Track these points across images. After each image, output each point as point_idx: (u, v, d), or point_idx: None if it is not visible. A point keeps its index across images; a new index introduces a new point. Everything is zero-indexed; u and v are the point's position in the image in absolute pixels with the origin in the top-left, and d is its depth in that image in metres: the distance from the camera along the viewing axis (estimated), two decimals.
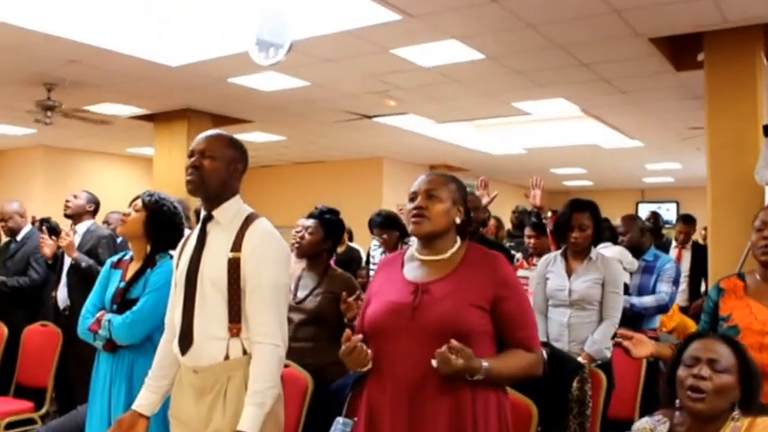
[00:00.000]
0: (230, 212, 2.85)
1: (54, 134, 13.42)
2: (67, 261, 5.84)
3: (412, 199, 2.60)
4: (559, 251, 4.68)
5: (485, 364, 2.39)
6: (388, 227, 6.03)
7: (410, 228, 2.59)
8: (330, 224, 4.30)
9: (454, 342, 2.32)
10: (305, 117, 11.37)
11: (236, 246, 2.76)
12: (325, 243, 4.26)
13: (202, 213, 2.91)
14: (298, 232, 4.74)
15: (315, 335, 4.09)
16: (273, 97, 9.87)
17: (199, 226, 2.91)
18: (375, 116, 11.16)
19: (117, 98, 10.25)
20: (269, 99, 9.99)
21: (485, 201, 5.38)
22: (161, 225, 3.59)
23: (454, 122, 12.07)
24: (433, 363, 2.34)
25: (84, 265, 5.66)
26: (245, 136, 13.08)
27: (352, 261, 9.63)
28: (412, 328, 2.46)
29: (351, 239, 10.77)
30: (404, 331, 2.47)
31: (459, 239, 2.65)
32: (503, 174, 17.80)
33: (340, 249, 10.28)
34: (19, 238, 6.23)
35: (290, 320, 4.10)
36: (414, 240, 2.73)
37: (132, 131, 13.02)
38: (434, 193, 2.59)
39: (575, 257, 4.55)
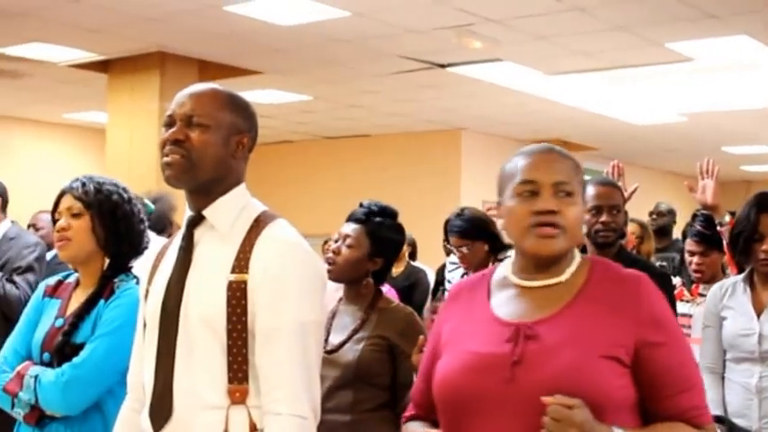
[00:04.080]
0: (231, 211, 2.84)
1: None
2: None
3: (533, 191, 2.53)
4: (741, 276, 4.63)
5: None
6: (472, 235, 5.99)
7: (532, 244, 2.51)
8: (381, 232, 4.27)
9: (556, 399, 2.29)
10: (342, 66, 11.37)
11: (241, 263, 2.74)
12: (372, 261, 4.23)
13: (187, 213, 2.90)
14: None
15: (354, 403, 4.08)
16: (294, 35, 9.88)
17: (182, 232, 2.90)
18: (451, 65, 11.11)
19: (52, 36, 10.35)
20: (287, 38, 10.01)
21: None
22: (118, 228, 3.58)
23: (573, 74, 11.98)
24: None
25: None
26: (250, 95, 13.05)
27: (415, 288, 9.60)
28: (512, 394, 2.40)
29: (414, 256, 10.76)
30: (499, 400, 2.41)
31: (577, 253, 2.63)
32: (648, 154, 17.61)
33: (396, 270, 10.32)
34: None
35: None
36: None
37: (74, 88, 13.16)
38: (568, 188, 2.54)
39: (766, 284, 4.52)
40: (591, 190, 4.67)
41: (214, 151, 2.80)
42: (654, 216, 8.93)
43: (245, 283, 2.72)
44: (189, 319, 2.75)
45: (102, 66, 11.62)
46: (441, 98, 13.24)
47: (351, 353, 4.09)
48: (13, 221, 6.38)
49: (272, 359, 2.69)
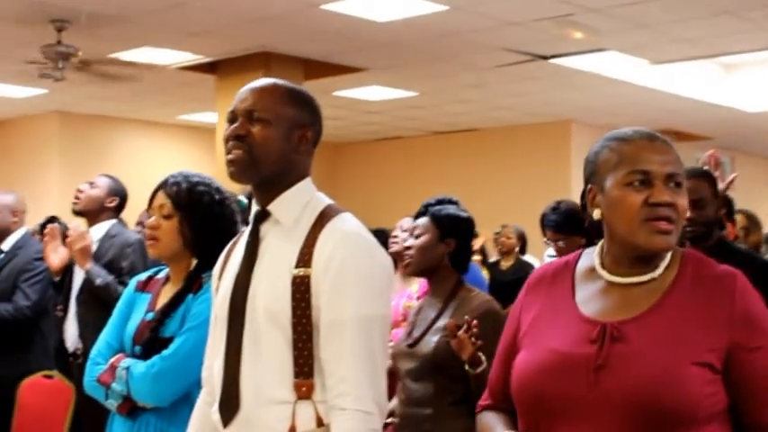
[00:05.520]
0: (296, 206, 2.84)
1: (73, 95, 14.04)
2: (78, 280, 6.04)
3: (644, 182, 2.40)
4: None
5: None
6: (568, 229, 5.92)
7: (646, 239, 2.38)
8: (443, 213, 4.28)
9: None
10: (446, 61, 11.39)
11: (305, 257, 2.74)
12: (444, 243, 4.24)
13: (254, 208, 2.91)
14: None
15: (435, 394, 4.05)
16: (396, 31, 9.91)
17: (249, 228, 2.91)
18: (554, 56, 11.07)
19: (160, 40, 10.60)
20: (389, 34, 10.05)
21: (720, 187, 5.18)
22: (206, 230, 3.61)
23: (680, 62, 11.84)
24: None
25: (98, 281, 5.77)
26: (356, 92, 13.30)
27: (523, 282, 9.54)
28: (595, 400, 2.30)
29: (524, 250, 10.72)
30: (580, 405, 2.32)
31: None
32: (765, 142, 17.23)
33: (506, 264, 10.30)
34: (6, 246, 6.48)
35: (400, 372, 4.13)
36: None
37: (185, 89, 13.44)
38: (679, 179, 2.43)
39: None
40: None
41: (276, 146, 2.79)
42: None
43: (308, 277, 2.71)
44: (255, 313, 2.77)
45: (210, 67, 11.87)
46: (545, 90, 13.18)
47: (428, 344, 4.09)
48: (118, 219, 6.47)
49: (336, 353, 2.68)
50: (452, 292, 4.25)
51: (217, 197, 3.66)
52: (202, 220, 3.60)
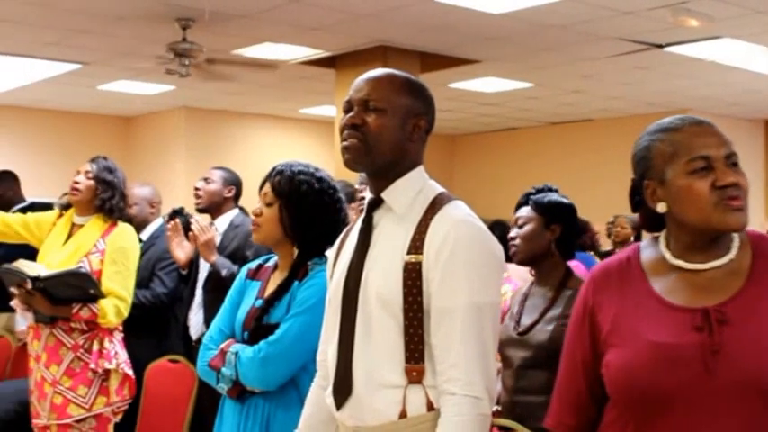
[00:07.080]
0: (408, 193, 2.83)
1: (198, 91, 14.33)
2: (203, 271, 6.13)
3: (706, 167, 2.38)
4: None
5: None
6: None
7: (722, 220, 2.36)
8: (545, 200, 4.23)
9: None
10: (560, 51, 11.30)
11: (417, 244, 2.73)
12: (550, 230, 4.18)
13: (367, 196, 2.92)
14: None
15: (547, 383, 3.96)
16: (510, 22, 9.85)
17: (363, 215, 2.92)
18: (669, 44, 10.89)
19: (281, 36, 10.69)
20: (501, 25, 9.98)
21: None
22: (304, 218, 3.64)
23: None
24: None
25: (224, 273, 5.85)
26: (471, 84, 13.26)
27: None
28: (713, 387, 2.27)
29: (638, 240, 10.62)
30: (698, 393, 2.29)
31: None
32: None
33: None
34: (145, 236, 6.64)
35: (510, 360, 4.08)
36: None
37: (306, 83, 13.56)
38: (736, 159, 2.41)
39: None
40: None
41: (390, 135, 2.80)
42: None
43: (419, 263, 2.71)
44: (367, 299, 2.77)
45: (330, 62, 11.95)
46: (661, 80, 12.98)
47: (542, 333, 4.03)
48: (241, 208, 6.56)
49: (447, 339, 2.67)
50: (563, 281, 4.19)
51: (317, 186, 3.67)
52: (300, 208, 3.63)
